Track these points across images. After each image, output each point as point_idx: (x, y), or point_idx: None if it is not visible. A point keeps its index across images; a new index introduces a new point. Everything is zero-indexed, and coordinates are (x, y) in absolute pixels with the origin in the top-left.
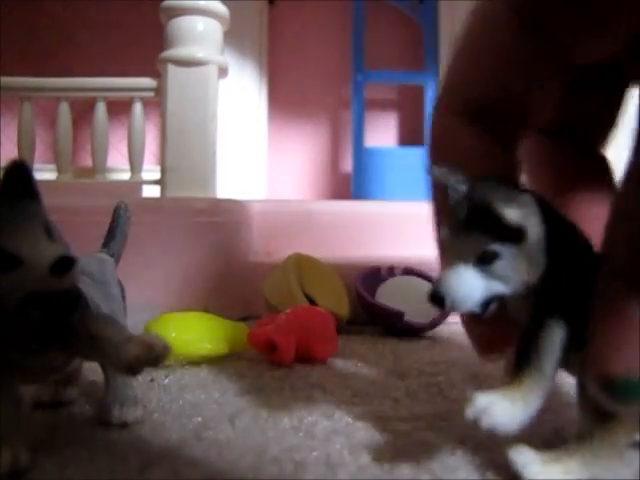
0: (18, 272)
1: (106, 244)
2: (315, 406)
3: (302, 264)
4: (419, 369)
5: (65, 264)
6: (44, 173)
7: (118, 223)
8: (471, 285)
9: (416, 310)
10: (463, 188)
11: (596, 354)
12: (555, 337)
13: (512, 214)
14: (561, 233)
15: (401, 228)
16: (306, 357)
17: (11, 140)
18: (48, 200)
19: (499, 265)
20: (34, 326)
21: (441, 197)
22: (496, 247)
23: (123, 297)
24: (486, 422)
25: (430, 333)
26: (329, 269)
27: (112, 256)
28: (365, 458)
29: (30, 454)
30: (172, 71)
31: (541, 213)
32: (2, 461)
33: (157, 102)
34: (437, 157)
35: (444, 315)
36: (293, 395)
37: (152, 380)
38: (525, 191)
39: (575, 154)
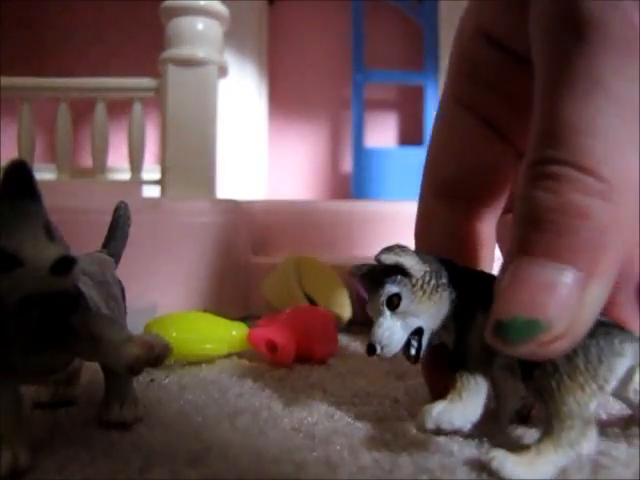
0: (18, 272)
1: (106, 244)
2: (315, 406)
3: (302, 264)
4: (419, 369)
5: (65, 264)
6: (44, 173)
7: (118, 223)
8: (390, 328)
9: None
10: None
11: (495, 308)
12: (470, 340)
13: (386, 257)
14: (458, 273)
15: (401, 228)
16: (306, 357)
17: (11, 140)
18: (48, 200)
19: (404, 303)
20: (34, 326)
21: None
22: (394, 289)
23: (123, 297)
24: (430, 423)
25: None
26: (329, 269)
27: (112, 256)
28: (365, 458)
29: (30, 454)
30: (172, 71)
31: (431, 260)
32: (2, 461)
33: (157, 102)
34: (417, 233)
35: None
36: (293, 395)
37: (152, 380)
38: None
39: None
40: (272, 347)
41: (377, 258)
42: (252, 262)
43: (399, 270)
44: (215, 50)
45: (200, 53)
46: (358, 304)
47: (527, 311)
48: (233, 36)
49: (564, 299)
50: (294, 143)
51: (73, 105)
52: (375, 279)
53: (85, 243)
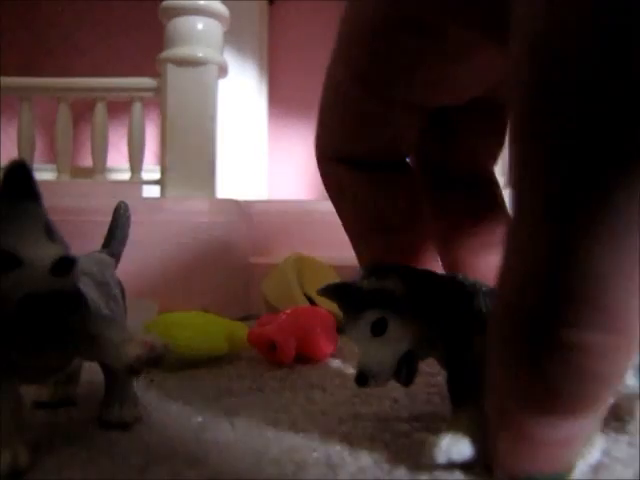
0: (18, 272)
1: (106, 244)
2: (315, 406)
3: (302, 264)
4: (418, 369)
5: (65, 264)
6: (44, 173)
7: (118, 223)
8: (380, 356)
9: None
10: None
11: (501, 461)
12: (469, 368)
13: (370, 282)
14: (439, 286)
15: None
16: (306, 357)
17: (11, 140)
18: (48, 200)
19: (391, 327)
20: (34, 326)
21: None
22: (379, 314)
23: (123, 297)
24: (440, 457)
25: None
26: (329, 269)
27: (112, 256)
28: (365, 459)
29: (30, 454)
30: (172, 71)
31: (405, 276)
32: (2, 461)
33: (157, 102)
34: (335, 203)
35: None
36: (293, 395)
37: (152, 380)
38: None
39: (465, 199)
40: (272, 347)
41: (359, 284)
42: (252, 262)
43: (381, 292)
44: (215, 50)
45: (200, 53)
46: None
47: (550, 468)
48: (233, 36)
49: (580, 445)
50: (294, 143)
51: (73, 105)
52: (354, 302)
53: (85, 243)
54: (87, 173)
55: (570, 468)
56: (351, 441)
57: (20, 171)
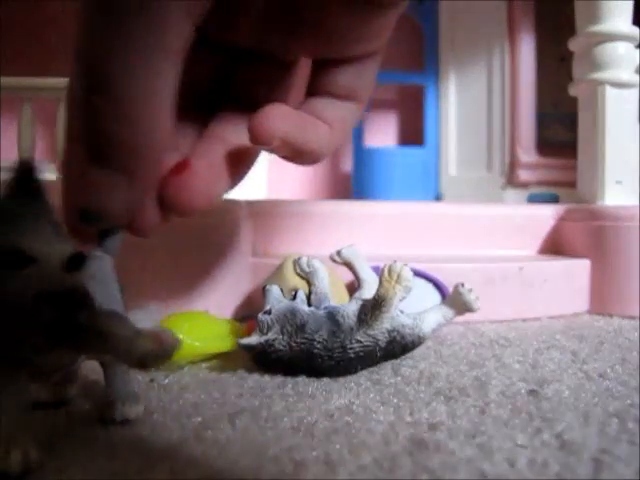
0: (31, 270)
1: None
2: (315, 406)
3: None
4: (419, 369)
5: (77, 261)
6: (44, 173)
7: None
8: None
9: (415, 309)
10: None
11: (66, 199)
12: None
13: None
14: None
15: (401, 228)
16: None
17: (11, 140)
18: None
19: None
20: (47, 324)
21: None
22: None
23: (122, 296)
24: None
25: None
26: (329, 269)
27: (109, 253)
28: (365, 458)
29: (40, 453)
30: None
31: None
32: (13, 460)
33: None
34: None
35: None
36: (293, 395)
37: (152, 380)
38: None
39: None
40: None
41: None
42: (252, 262)
43: None
44: None
45: None
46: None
47: (95, 206)
48: None
49: (114, 196)
50: None
51: None
52: None
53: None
54: None
55: (100, 210)
56: (351, 440)
57: (29, 171)
